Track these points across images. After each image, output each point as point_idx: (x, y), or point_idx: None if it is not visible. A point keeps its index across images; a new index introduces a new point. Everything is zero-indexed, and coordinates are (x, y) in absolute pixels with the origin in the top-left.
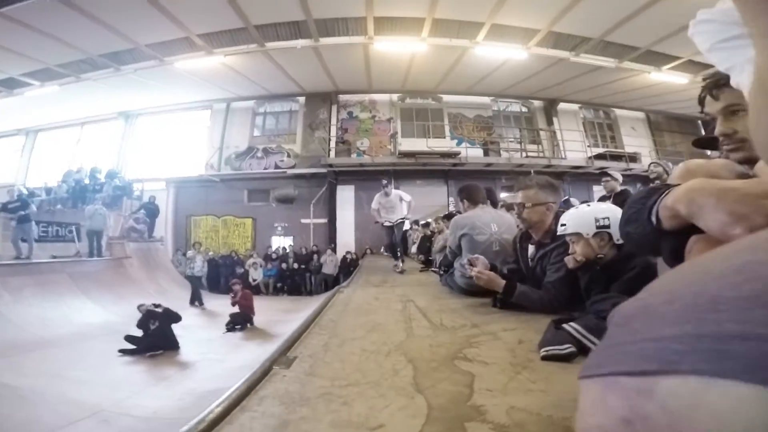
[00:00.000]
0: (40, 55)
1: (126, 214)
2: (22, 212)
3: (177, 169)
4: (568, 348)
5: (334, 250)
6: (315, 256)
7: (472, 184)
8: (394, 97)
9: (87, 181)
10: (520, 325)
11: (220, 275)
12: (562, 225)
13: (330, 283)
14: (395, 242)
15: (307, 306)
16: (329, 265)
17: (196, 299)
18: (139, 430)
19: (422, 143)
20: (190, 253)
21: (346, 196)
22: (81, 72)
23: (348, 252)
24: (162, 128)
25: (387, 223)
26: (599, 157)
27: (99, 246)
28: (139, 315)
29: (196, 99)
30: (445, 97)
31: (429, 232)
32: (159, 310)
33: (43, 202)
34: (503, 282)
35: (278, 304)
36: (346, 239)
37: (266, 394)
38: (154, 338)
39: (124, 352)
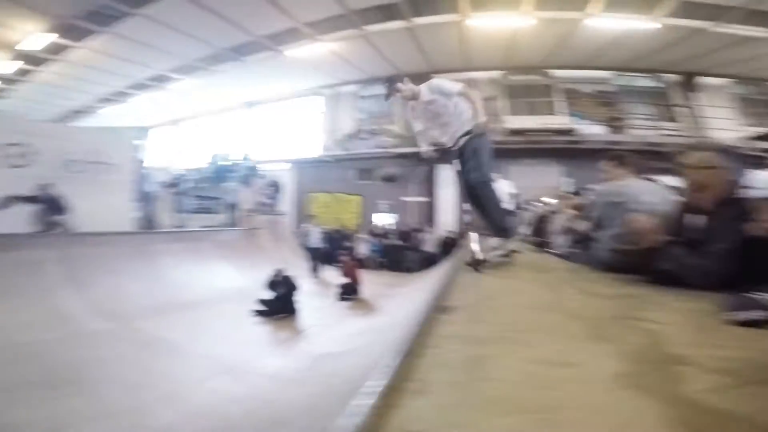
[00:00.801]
0: (180, 51)
1: (256, 190)
2: (179, 189)
3: (300, 150)
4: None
5: (433, 228)
6: (415, 234)
7: (622, 152)
8: (496, 74)
9: (226, 164)
10: (682, 298)
11: (332, 248)
12: (753, 189)
13: (429, 262)
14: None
15: (409, 282)
16: (429, 243)
17: (312, 269)
18: (266, 387)
19: (529, 120)
20: (307, 225)
21: (446, 175)
22: (215, 64)
23: (448, 231)
24: (283, 114)
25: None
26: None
27: (235, 217)
28: (270, 280)
29: (309, 86)
30: (556, 72)
31: (545, 212)
32: (285, 277)
33: (192, 182)
34: (663, 239)
35: (381, 278)
36: (446, 218)
37: (445, 334)
38: (281, 303)
39: (255, 313)
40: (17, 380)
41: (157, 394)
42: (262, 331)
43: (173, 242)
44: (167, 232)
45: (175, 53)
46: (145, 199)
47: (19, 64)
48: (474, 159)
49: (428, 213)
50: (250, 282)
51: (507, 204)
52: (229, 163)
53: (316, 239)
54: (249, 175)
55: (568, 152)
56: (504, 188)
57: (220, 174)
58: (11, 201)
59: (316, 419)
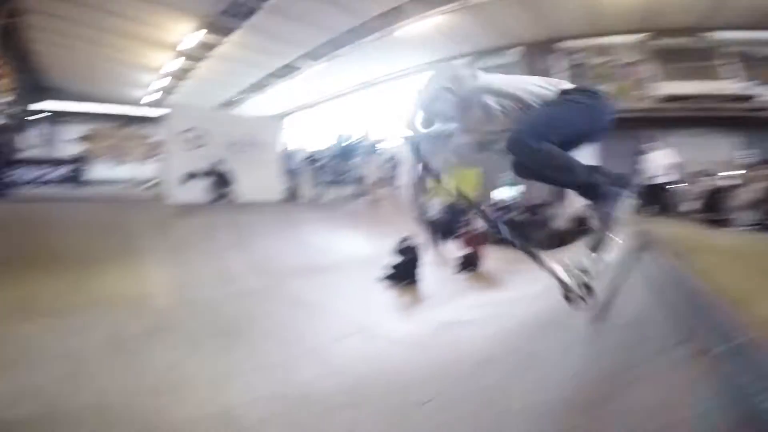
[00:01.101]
0: (306, 40)
1: (377, 165)
2: (315, 165)
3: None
4: None
5: (565, 203)
6: (543, 209)
7: None
8: (635, 37)
9: (350, 142)
10: None
11: (452, 221)
12: None
13: (559, 240)
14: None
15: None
16: (559, 219)
17: (434, 241)
18: (392, 350)
19: (689, 86)
20: (427, 198)
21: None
22: (336, 48)
23: (583, 206)
24: (398, 93)
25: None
26: None
27: (365, 188)
28: (399, 247)
29: (420, 63)
30: (719, 34)
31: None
32: (410, 245)
33: (324, 158)
34: None
35: (504, 254)
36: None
37: None
38: (406, 269)
39: (384, 278)
40: (196, 332)
41: (301, 351)
42: (388, 296)
43: (312, 212)
44: (307, 203)
45: (300, 42)
46: (290, 174)
47: (181, 62)
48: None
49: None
50: (376, 249)
51: (665, 177)
52: (353, 141)
53: (435, 212)
54: (369, 151)
55: (743, 121)
56: (660, 159)
57: (345, 151)
58: (190, 176)
59: (442, 385)
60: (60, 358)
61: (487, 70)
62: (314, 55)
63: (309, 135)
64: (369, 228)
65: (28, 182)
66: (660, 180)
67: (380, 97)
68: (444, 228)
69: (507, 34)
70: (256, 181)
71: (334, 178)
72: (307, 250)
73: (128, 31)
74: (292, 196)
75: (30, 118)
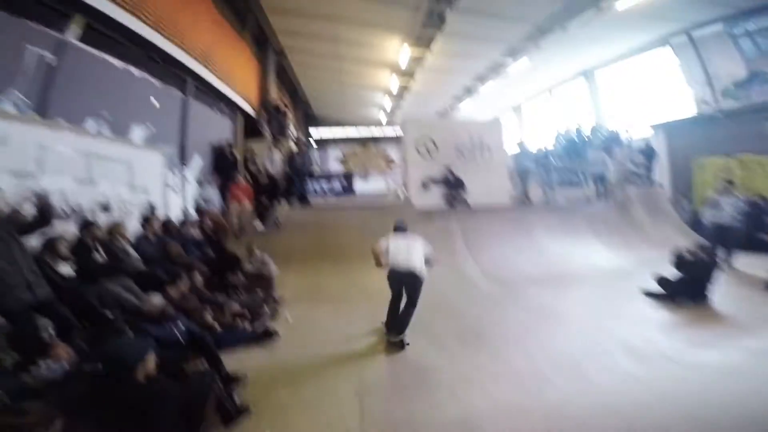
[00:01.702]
0: (503, 35)
1: (622, 160)
2: (543, 165)
3: (660, 113)
4: None
5: None
6: None
7: None
8: None
9: (581, 135)
10: None
11: (750, 227)
12: None
13: None
14: None
15: None
16: None
17: (725, 252)
18: (678, 373)
19: None
20: (714, 196)
21: None
22: (538, 39)
23: None
24: (624, 76)
25: None
26: None
27: (604, 189)
28: (678, 259)
29: (647, 39)
30: None
31: None
32: (701, 259)
33: (552, 157)
34: None
35: None
36: None
37: None
38: (686, 286)
39: (649, 294)
40: (442, 332)
41: (554, 363)
42: (660, 312)
43: (546, 215)
44: (540, 206)
45: (500, 38)
46: (519, 176)
47: (397, 79)
48: None
49: None
50: (625, 261)
51: None
52: (584, 134)
53: (728, 215)
54: (607, 146)
55: None
56: None
57: (570, 151)
58: (426, 184)
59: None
60: (335, 341)
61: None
62: (518, 49)
63: (532, 132)
64: (614, 235)
65: (315, 193)
66: None
67: (608, 82)
68: (739, 235)
69: None
70: (485, 185)
71: (567, 177)
72: (543, 257)
73: (357, 56)
74: (523, 199)
75: (308, 142)
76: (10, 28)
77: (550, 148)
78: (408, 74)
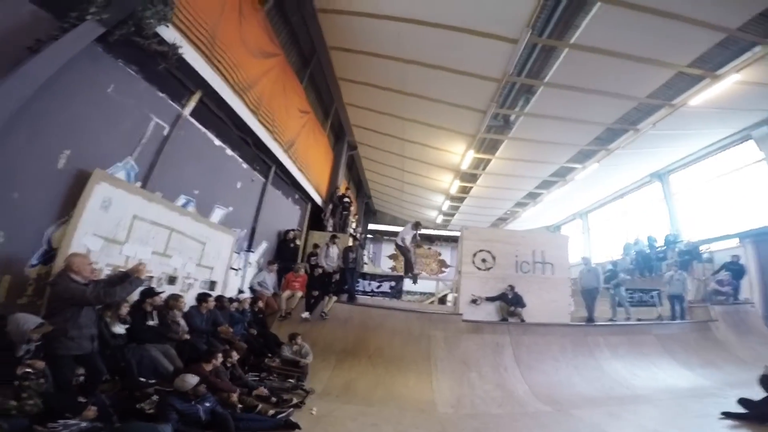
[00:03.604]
0: (573, 139)
1: (702, 277)
2: (610, 282)
3: (747, 219)
4: None
5: None
6: None
7: None
8: None
9: (654, 248)
10: None
11: None
12: None
13: None
14: None
15: None
16: None
17: None
18: None
19: None
20: None
21: None
22: (606, 144)
23: None
24: (702, 179)
25: None
26: None
27: (681, 309)
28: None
29: (726, 133)
30: None
31: None
32: None
33: (618, 273)
34: None
35: None
36: None
37: None
38: None
39: (728, 415)
40: None
41: None
42: None
43: (610, 335)
44: (604, 325)
45: (566, 142)
46: (582, 295)
47: (458, 183)
48: None
49: None
50: (705, 380)
51: None
52: (657, 247)
53: None
54: (685, 260)
55: None
56: None
57: (640, 264)
58: (480, 298)
59: None
60: None
61: None
62: (587, 153)
63: (600, 242)
64: (692, 355)
65: (365, 291)
66: None
67: (683, 185)
68: None
69: None
70: (545, 303)
71: (634, 295)
72: (604, 378)
73: (420, 157)
74: (586, 317)
75: (364, 239)
76: (143, 96)
77: (619, 259)
78: (470, 177)
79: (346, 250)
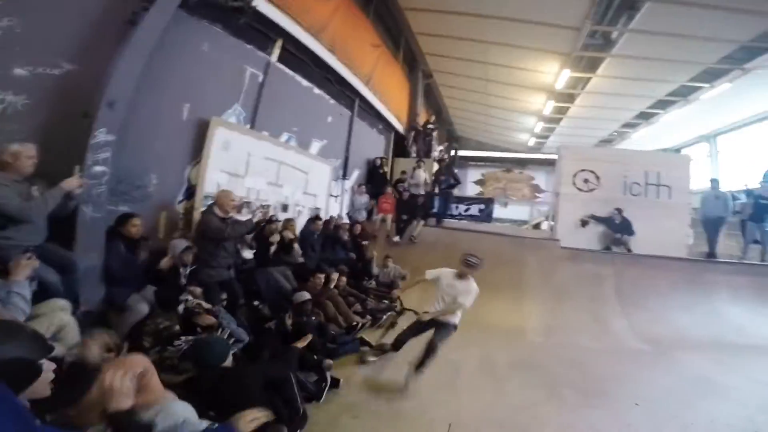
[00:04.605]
0: (696, 57)
1: None
2: (744, 214)
3: None
4: None
5: None
6: None
7: None
8: None
9: None
10: None
11: None
12: None
13: None
14: None
15: None
16: None
17: None
18: None
19: None
20: None
21: None
22: (743, 62)
23: None
24: None
25: None
26: None
27: None
28: None
29: None
30: None
31: None
32: None
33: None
34: None
35: None
36: None
37: None
38: None
39: None
40: (557, 378)
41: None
42: None
43: (734, 275)
44: (728, 263)
45: (686, 60)
46: (705, 224)
47: (552, 103)
48: None
49: None
50: None
51: None
52: None
53: None
54: None
55: None
56: None
57: None
58: (583, 223)
59: None
60: (442, 366)
61: None
62: (716, 73)
63: (730, 170)
64: None
65: (454, 215)
66: None
67: None
68: None
69: None
70: (657, 231)
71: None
72: (719, 322)
73: (507, 80)
74: (707, 252)
75: (452, 161)
76: (234, 50)
77: (757, 189)
78: (567, 97)
79: (437, 174)
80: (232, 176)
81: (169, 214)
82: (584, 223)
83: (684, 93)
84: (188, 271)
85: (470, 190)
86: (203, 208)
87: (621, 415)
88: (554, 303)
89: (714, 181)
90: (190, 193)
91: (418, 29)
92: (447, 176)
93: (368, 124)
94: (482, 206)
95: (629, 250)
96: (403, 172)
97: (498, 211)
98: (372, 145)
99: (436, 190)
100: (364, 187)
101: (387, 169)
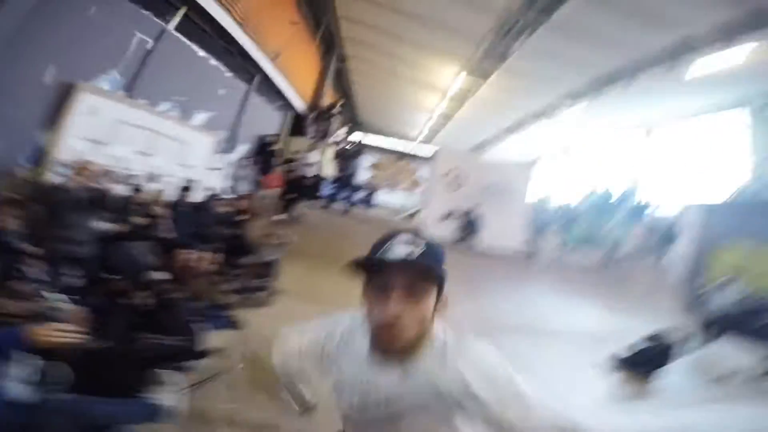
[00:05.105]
0: (565, 79)
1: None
2: (561, 220)
3: (712, 189)
4: None
5: None
6: None
7: None
8: None
9: (607, 198)
10: None
11: (744, 317)
12: None
13: None
14: None
15: None
16: None
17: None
18: None
19: None
20: (714, 284)
21: None
22: (602, 87)
23: None
24: (687, 139)
25: None
26: None
27: (614, 258)
28: (652, 334)
29: (717, 101)
30: None
31: None
32: (668, 335)
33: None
34: None
35: None
36: None
37: None
38: (651, 360)
39: (614, 361)
40: None
41: None
42: (609, 381)
43: (549, 271)
44: (547, 260)
45: (561, 80)
46: (536, 226)
47: (446, 104)
48: None
49: None
50: (615, 327)
51: None
52: (611, 197)
53: (723, 301)
54: (633, 213)
55: None
56: None
57: (599, 209)
58: (446, 216)
59: None
60: None
61: None
62: (578, 93)
63: (562, 184)
64: (611, 302)
65: (339, 199)
66: None
67: (662, 144)
68: (729, 323)
69: None
70: (500, 229)
71: (583, 237)
72: (529, 311)
73: (412, 76)
74: (532, 250)
75: (347, 151)
76: (125, 15)
77: (582, 203)
78: (458, 100)
79: (336, 158)
80: (95, 144)
81: (11, 181)
82: (443, 218)
83: (550, 109)
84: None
85: (364, 174)
86: (55, 176)
87: None
88: None
89: (544, 198)
90: (40, 159)
91: (342, 12)
92: (346, 164)
93: (267, 100)
94: (367, 193)
95: (476, 243)
96: (296, 152)
97: (383, 198)
98: (267, 121)
99: (330, 175)
100: (252, 162)
101: (281, 147)
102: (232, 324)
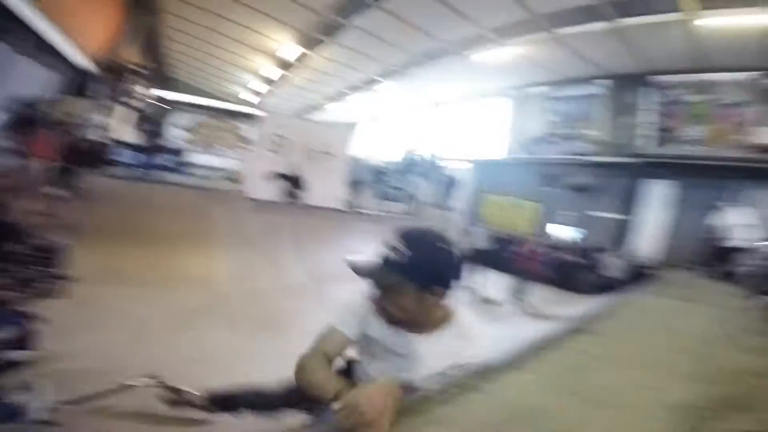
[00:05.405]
0: (382, 57)
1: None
2: (376, 178)
3: (483, 151)
4: None
5: (623, 252)
6: (596, 254)
7: None
8: (747, 75)
9: (414, 158)
10: None
11: (498, 252)
12: None
13: (607, 288)
14: None
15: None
16: (612, 267)
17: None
18: None
19: None
20: (473, 226)
21: (657, 192)
22: (408, 68)
23: (642, 257)
24: (468, 115)
25: None
26: None
27: (413, 207)
28: None
29: (495, 87)
30: None
31: None
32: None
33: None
34: None
35: (545, 293)
36: (647, 243)
37: None
38: None
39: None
40: (240, 317)
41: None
42: None
43: (363, 222)
44: (361, 214)
45: (378, 59)
46: (354, 184)
47: (279, 71)
48: None
49: (620, 233)
50: None
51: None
52: (417, 158)
53: (481, 240)
54: (430, 170)
55: None
56: (736, 218)
57: (408, 167)
58: (270, 176)
59: None
60: (128, 323)
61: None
62: (390, 72)
63: (378, 147)
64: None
65: (139, 165)
66: (731, 242)
67: (450, 117)
68: (487, 258)
69: (595, 64)
70: (323, 188)
71: (392, 192)
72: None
73: (238, 37)
74: (353, 205)
75: (156, 104)
76: None
77: (392, 163)
78: (287, 66)
79: (140, 122)
80: None
81: None
82: (268, 178)
83: (369, 82)
84: None
85: (179, 137)
86: None
87: (285, 339)
88: (239, 253)
89: (359, 158)
90: None
91: None
92: (152, 127)
93: (31, 57)
94: (177, 156)
95: (302, 203)
96: (69, 114)
97: (200, 159)
98: (35, 82)
99: (130, 139)
100: (12, 131)
101: (52, 110)
102: (20, 320)
